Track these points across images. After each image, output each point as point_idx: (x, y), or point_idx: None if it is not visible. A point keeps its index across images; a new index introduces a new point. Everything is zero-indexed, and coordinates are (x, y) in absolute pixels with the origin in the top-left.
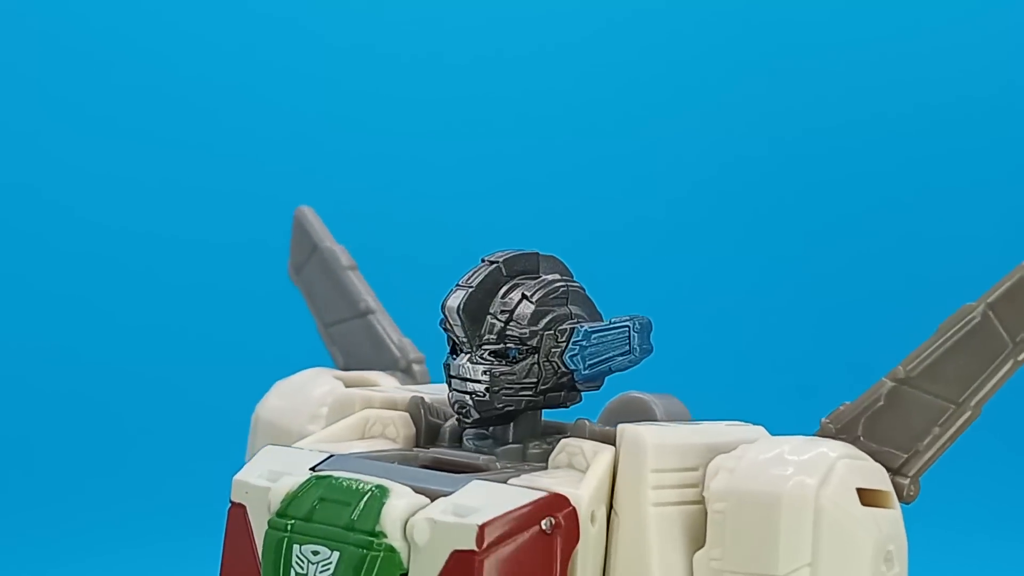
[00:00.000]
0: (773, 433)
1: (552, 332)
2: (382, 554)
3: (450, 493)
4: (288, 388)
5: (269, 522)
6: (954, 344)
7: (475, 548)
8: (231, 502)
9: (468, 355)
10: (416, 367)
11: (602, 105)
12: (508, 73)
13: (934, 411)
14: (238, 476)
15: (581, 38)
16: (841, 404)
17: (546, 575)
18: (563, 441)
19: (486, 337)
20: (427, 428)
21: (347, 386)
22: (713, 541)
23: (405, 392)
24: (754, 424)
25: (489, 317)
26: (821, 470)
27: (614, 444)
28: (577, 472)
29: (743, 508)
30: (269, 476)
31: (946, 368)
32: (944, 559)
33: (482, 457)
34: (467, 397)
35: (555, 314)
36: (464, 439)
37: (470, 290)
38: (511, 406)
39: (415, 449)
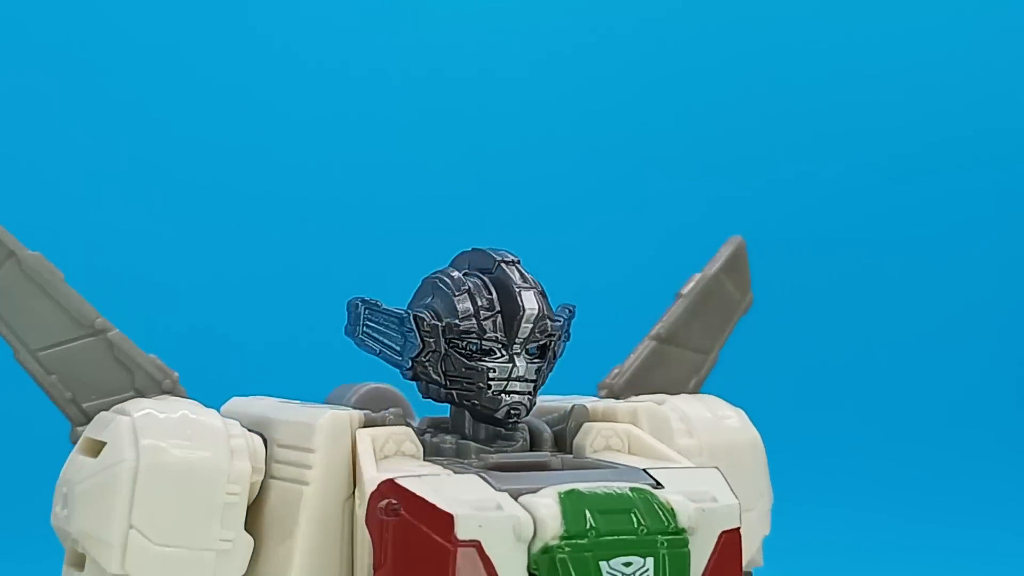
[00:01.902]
0: None
1: (561, 324)
2: (688, 548)
3: (649, 484)
4: (176, 427)
5: (560, 546)
6: (695, 306)
7: (738, 525)
8: (457, 541)
9: (515, 356)
10: (176, 386)
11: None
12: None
13: (694, 362)
14: (457, 511)
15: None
16: (614, 367)
17: None
18: (587, 425)
19: (532, 336)
20: (427, 443)
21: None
22: None
23: (352, 411)
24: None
25: (533, 314)
26: (743, 415)
27: (617, 421)
28: (621, 453)
29: (719, 460)
30: (482, 505)
31: (693, 326)
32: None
33: (538, 454)
34: (525, 399)
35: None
36: (476, 442)
37: (535, 290)
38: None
39: (482, 457)
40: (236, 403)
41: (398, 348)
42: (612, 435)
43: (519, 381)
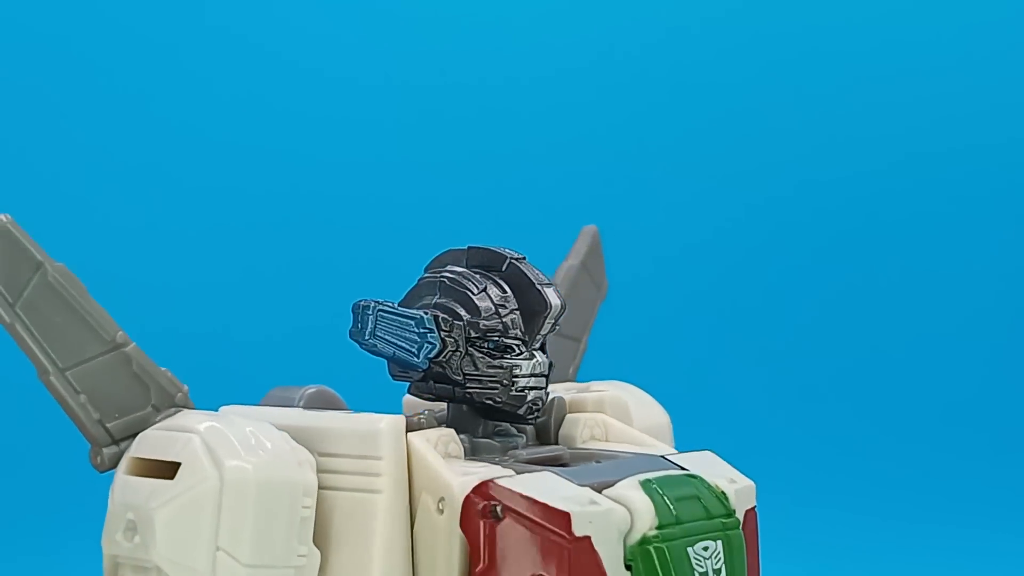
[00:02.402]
0: None
1: None
2: (740, 529)
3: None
4: (248, 443)
5: (656, 537)
6: (566, 295)
7: (755, 504)
8: (573, 536)
9: (535, 352)
10: (187, 399)
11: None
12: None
13: (569, 349)
14: (573, 509)
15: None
16: None
17: None
18: (570, 417)
19: (545, 331)
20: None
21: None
22: None
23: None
24: None
25: (558, 310)
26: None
27: (586, 411)
28: (603, 442)
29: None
30: (583, 501)
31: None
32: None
33: (552, 448)
34: (543, 393)
35: None
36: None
37: (554, 286)
38: None
39: (509, 455)
40: (242, 413)
41: (414, 350)
42: (594, 425)
43: (538, 376)
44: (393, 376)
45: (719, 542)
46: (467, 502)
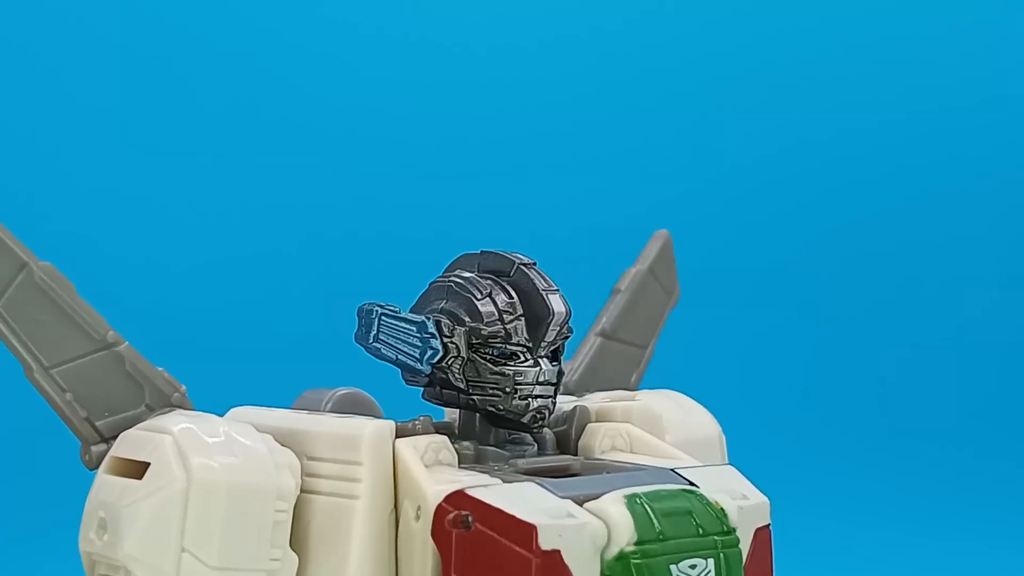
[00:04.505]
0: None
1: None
2: (739, 547)
3: (686, 488)
4: (222, 445)
5: (635, 552)
6: (631, 301)
7: (769, 521)
8: (540, 549)
9: (540, 359)
10: (184, 399)
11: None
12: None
13: (633, 356)
14: (539, 521)
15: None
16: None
17: None
18: (591, 426)
19: (552, 339)
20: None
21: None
22: None
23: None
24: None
25: (562, 317)
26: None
27: (614, 421)
28: (626, 453)
29: (694, 455)
30: (557, 514)
31: (630, 321)
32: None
33: (560, 458)
34: (548, 402)
35: None
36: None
37: (559, 293)
38: None
39: (511, 464)
40: (243, 414)
41: (417, 355)
42: (616, 435)
43: (543, 385)
44: (406, 381)
45: (711, 560)
46: (439, 511)
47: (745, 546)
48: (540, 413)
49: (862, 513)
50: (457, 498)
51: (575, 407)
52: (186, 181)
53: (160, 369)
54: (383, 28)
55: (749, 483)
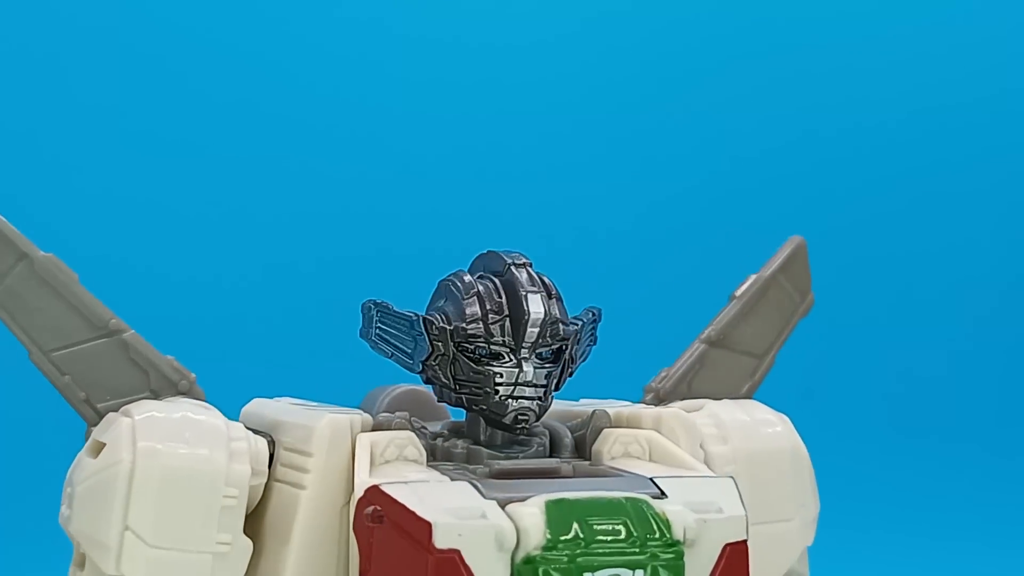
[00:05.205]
0: None
1: (578, 328)
2: (683, 561)
3: (649, 494)
4: (176, 429)
5: (543, 557)
6: (749, 308)
7: (745, 537)
8: (435, 547)
9: (523, 361)
10: (193, 387)
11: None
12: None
13: (746, 365)
14: (436, 519)
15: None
16: (661, 370)
17: None
18: (606, 432)
19: (541, 340)
20: (439, 447)
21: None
22: None
23: (357, 414)
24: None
25: (539, 318)
26: (786, 422)
27: (642, 427)
28: (640, 460)
29: (754, 467)
30: (464, 514)
31: (746, 329)
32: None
33: (548, 461)
34: (534, 404)
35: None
36: (490, 447)
37: (542, 293)
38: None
39: (487, 463)
40: (257, 404)
41: (409, 351)
42: (632, 442)
43: (527, 386)
44: (424, 380)
45: (639, 571)
46: (359, 504)
47: (706, 560)
48: (523, 415)
49: (862, 513)
50: (372, 493)
51: (593, 411)
52: (210, 185)
53: (169, 357)
54: (390, 29)
55: (737, 498)
